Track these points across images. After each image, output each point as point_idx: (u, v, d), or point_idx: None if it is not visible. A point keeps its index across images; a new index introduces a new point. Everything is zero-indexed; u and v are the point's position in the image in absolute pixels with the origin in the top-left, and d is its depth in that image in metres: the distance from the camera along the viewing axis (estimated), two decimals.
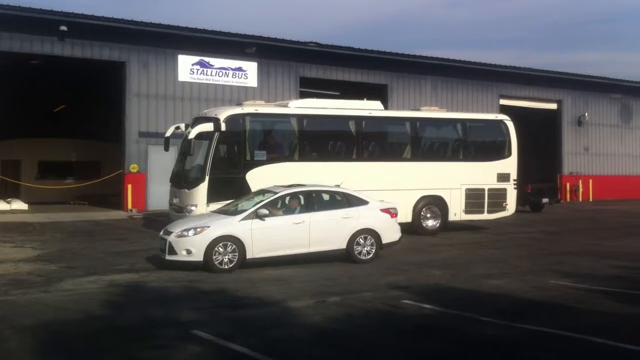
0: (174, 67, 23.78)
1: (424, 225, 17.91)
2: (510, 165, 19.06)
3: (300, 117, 16.82)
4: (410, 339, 7.98)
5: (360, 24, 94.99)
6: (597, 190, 33.86)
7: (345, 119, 17.48)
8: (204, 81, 24.38)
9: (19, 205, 22.51)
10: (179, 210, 15.80)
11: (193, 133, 15.60)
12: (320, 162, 16.94)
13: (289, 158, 16.71)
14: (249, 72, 25.34)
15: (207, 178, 15.31)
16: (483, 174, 18.56)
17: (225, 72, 24.87)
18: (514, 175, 19.00)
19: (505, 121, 19.42)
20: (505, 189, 18.79)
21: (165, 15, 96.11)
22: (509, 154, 19.09)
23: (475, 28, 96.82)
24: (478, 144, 19.45)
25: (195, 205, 15.26)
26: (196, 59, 24.27)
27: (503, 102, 32.25)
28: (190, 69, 24.17)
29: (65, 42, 21.60)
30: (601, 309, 9.47)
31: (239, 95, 24.24)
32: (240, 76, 25.19)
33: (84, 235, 16.86)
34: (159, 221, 17.64)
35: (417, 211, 17.75)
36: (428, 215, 17.99)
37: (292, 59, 26.16)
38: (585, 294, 10.57)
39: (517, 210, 25.30)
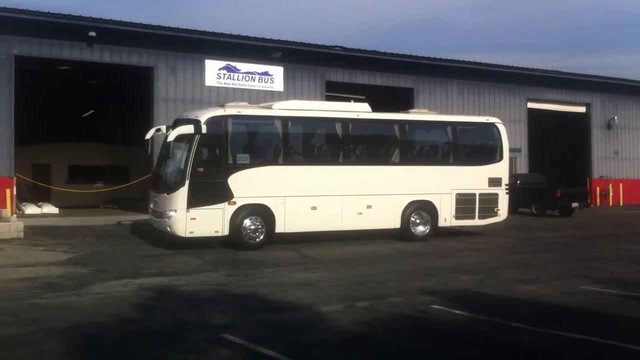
0: (201, 72, 23.92)
1: (413, 231, 17.31)
2: (501, 169, 18.52)
3: (284, 119, 16.14)
4: (440, 344, 7.93)
5: (385, 28, 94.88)
6: (628, 194, 33.36)
7: (331, 121, 16.94)
8: (231, 86, 24.47)
9: (49, 209, 22.80)
10: (159, 216, 15.38)
11: (172, 135, 15.02)
12: (306, 165, 16.48)
13: (273, 162, 16.05)
14: (275, 76, 25.40)
15: (187, 182, 14.66)
16: (474, 178, 17.98)
17: (252, 77, 24.96)
18: (505, 179, 18.48)
19: (497, 124, 18.86)
20: (496, 194, 18.20)
21: (191, 21, 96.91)
22: (501, 158, 18.53)
23: (500, 31, 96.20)
24: (469, 147, 18.95)
25: (175, 211, 14.71)
26: (223, 63, 24.38)
27: (531, 105, 31.95)
28: (217, 74, 24.29)
29: (94, 48, 21.82)
30: (633, 314, 9.36)
31: (265, 99, 24.26)
32: (266, 80, 25.25)
33: (114, 238, 17.03)
34: None
35: (406, 217, 17.17)
36: (417, 221, 17.39)
37: (318, 63, 26.17)
38: (616, 299, 10.43)
39: (547, 215, 25.26)
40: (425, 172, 17.60)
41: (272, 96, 24.48)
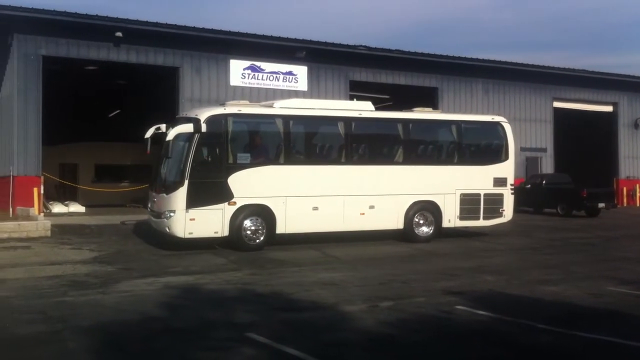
0: (225, 72, 24.06)
1: (417, 232, 16.98)
2: (507, 169, 18.16)
3: (285, 118, 15.83)
4: (464, 345, 7.90)
5: (409, 27, 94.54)
6: None
7: (333, 120, 16.57)
8: (255, 85, 24.58)
9: (76, 207, 23.07)
10: (158, 216, 15.17)
11: (171, 134, 14.72)
12: (307, 165, 16.19)
13: (274, 161, 15.73)
14: (299, 76, 25.47)
15: (186, 182, 14.41)
16: (479, 178, 17.63)
17: (276, 76, 25.06)
18: (511, 179, 18.12)
19: (502, 123, 18.52)
20: (502, 194, 17.81)
21: (216, 21, 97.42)
22: (506, 158, 18.18)
23: (525, 30, 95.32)
24: (473, 147, 18.56)
25: (174, 211, 14.47)
26: (247, 63, 24.51)
27: (557, 104, 31.67)
28: (242, 74, 24.41)
29: (121, 48, 22.06)
30: None
31: (290, 99, 24.36)
32: (290, 80, 25.33)
33: (140, 237, 17.18)
34: None
35: (409, 217, 16.83)
36: (421, 221, 17.05)
37: (342, 63, 26.18)
38: None
39: (572, 215, 25.01)
40: (429, 172, 17.28)
41: (296, 96, 24.52)
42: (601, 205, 25.55)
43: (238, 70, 24.38)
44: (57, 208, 22.54)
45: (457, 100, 28.71)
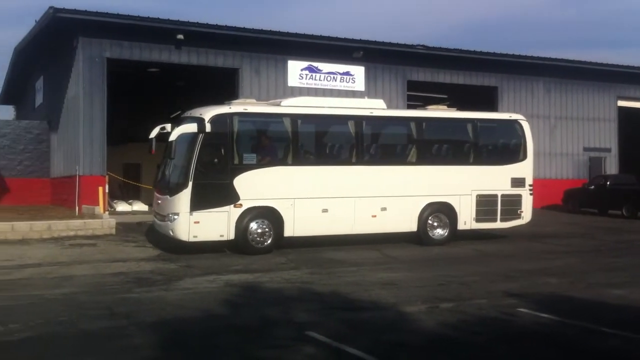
0: (284, 73, 24.27)
1: (431, 234, 16.37)
2: (525, 169, 17.38)
3: (293, 117, 15.26)
4: (527, 348, 7.76)
5: (466, 25, 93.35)
6: None
7: (343, 119, 15.95)
8: (313, 86, 24.70)
9: (139, 206, 23.59)
10: (162, 219, 14.75)
11: (174, 135, 14.23)
12: (316, 165, 15.61)
13: (282, 162, 15.16)
14: (356, 76, 25.49)
15: (190, 184, 13.92)
16: (496, 178, 16.93)
17: (333, 77, 25.13)
18: (529, 180, 17.30)
19: (520, 121, 17.73)
20: (520, 195, 17.09)
21: (271, 22, 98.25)
22: (524, 157, 17.41)
23: (588, 27, 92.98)
24: (490, 146, 17.83)
25: (178, 214, 14.03)
26: (305, 64, 24.66)
27: (621, 103, 30.81)
28: (300, 74, 24.58)
29: (182, 50, 22.49)
30: None
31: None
32: (347, 80, 25.37)
33: None
34: None
35: (423, 220, 16.20)
36: (435, 224, 16.42)
37: (399, 63, 26.08)
38: None
39: (638, 217, 24.25)
40: (443, 173, 16.64)
41: (353, 96, 24.57)
42: None
43: (296, 70, 24.57)
44: (121, 207, 23.12)
45: (517, 100, 28.27)
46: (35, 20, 22.48)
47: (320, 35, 24.27)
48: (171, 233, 14.31)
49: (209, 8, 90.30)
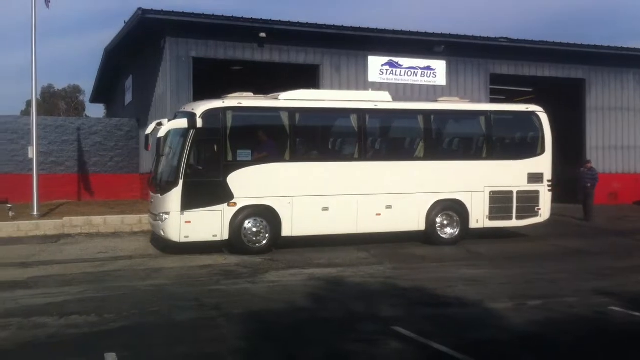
0: (364, 69, 24.23)
1: (440, 233, 15.50)
2: (543, 164, 16.29)
3: (292, 111, 14.52)
4: (620, 347, 7.55)
5: (549, 17, 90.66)
6: None
7: (345, 112, 15.23)
8: (393, 81, 24.56)
9: None
10: (154, 218, 14.32)
11: (163, 130, 13.75)
12: (316, 162, 14.88)
13: (279, 158, 14.43)
14: (437, 70, 25.19)
15: (180, 182, 13.38)
16: (511, 174, 15.98)
17: (414, 72, 24.92)
18: (548, 175, 16.23)
19: (538, 113, 16.58)
20: (537, 191, 16.07)
21: (349, 17, 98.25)
22: (542, 151, 16.32)
23: None
24: (505, 139, 16.79)
25: (168, 213, 13.52)
26: (385, 59, 24.54)
27: None
28: (380, 70, 24.49)
29: (264, 48, 22.80)
30: None
31: (428, 94, 24.17)
32: (429, 75, 25.11)
33: None
34: None
35: (431, 218, 15.35)
36: (445, 222, 15.55)
37: (482, 56, 25.57)
38: None
39: None
40: (453, 168, 15.72)
41: (434, 91, 24.34)
42: None
43: (376, 66, 24.48)
44: None
45: (606, 92, 27.26)
46: (124, 22, 23.30)
47: (401, 30, 24.08)
48: (162, 233, 13.90)
49: (281, 5, 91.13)
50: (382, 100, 15.84)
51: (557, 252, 14.85)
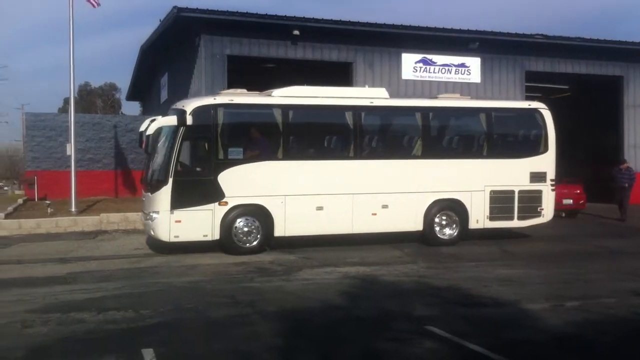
0: (397, 66, 24.16)
1: (439, 234, 15.17)
2: (546, 162, 15.88)
3: (285, 108, 14.27)
4: None
5: (584, 13, 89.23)
6: None
7: (340, 110, 14.84)
8: (427, 79, 24.46)
9: None
10: (145, 217, 14.20)
11: (152, 128, 13.52)
12: (310, 160, 14.55)
13: (272, 156, 14.16)
14: (471, 67, 25.01)
15: (170, 180, 13.15)
16: (512, 173, 15.59)
17: (448, 69, 24.78)
18: (551, 174, 15.82)
19: (541, 110, 16.16)
20: (540, 191, 15.66)
21: (382, 13, 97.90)
22: (545, 150, 15.92)
23: None
24: (506, 137, 16.36)
25: (158, 212, 13.31)
26: (419, 56, 24.44)
27: None
28: (414, 67, 24.40)
29: (298, 46, 22.87)
30: None
31: (462, 91, 23.96)
32: (463, 72, 24.94)
33: None
34: None
35: (429, 218, 15.03)
36: (444, 222, 15.21)
37: (517, 53, 25.33)
38: None
39: None
40: (452, 167, 15.34)
41: (468, 88, 24.18)
42: None
43: (410, 63, 24.40)
44: None
45: None
46: (160, 20, 23.57)
47: (435, 27, 23.96)
48: (152, 233, 13.75)
49: (314, 2, 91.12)
50: (378, 97, 15.54)
51: (593, 252, 14.65)
